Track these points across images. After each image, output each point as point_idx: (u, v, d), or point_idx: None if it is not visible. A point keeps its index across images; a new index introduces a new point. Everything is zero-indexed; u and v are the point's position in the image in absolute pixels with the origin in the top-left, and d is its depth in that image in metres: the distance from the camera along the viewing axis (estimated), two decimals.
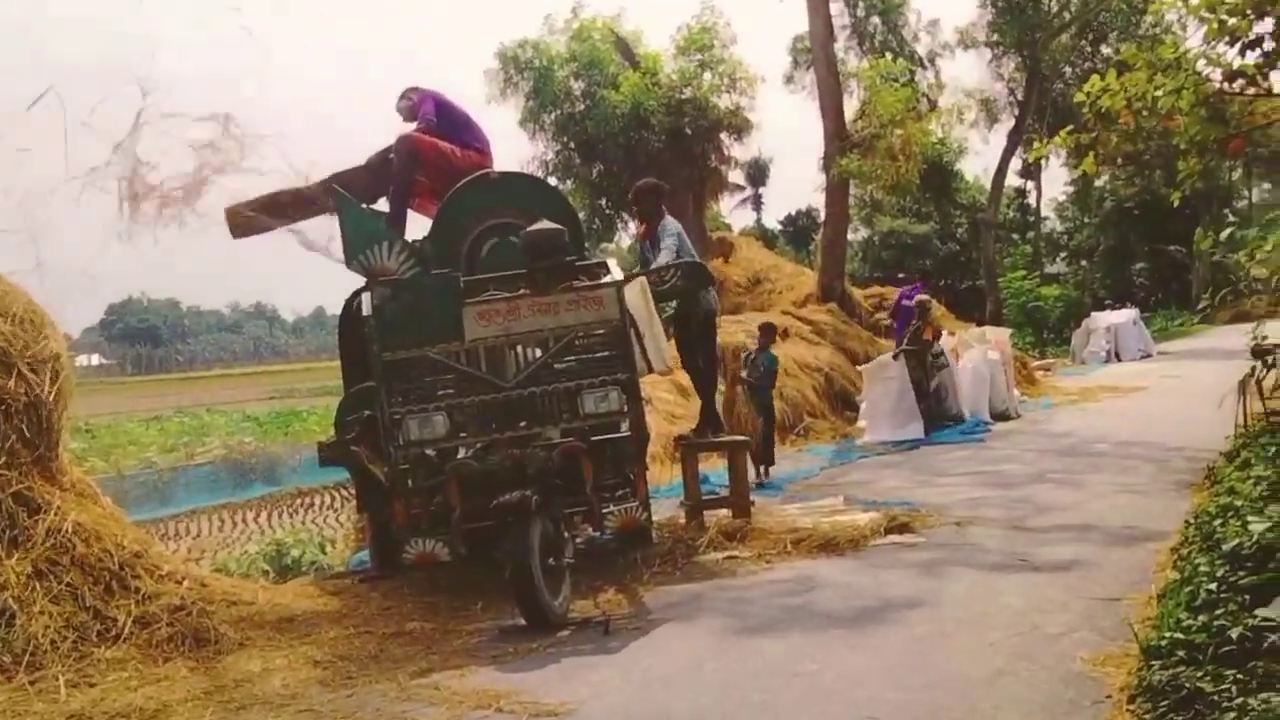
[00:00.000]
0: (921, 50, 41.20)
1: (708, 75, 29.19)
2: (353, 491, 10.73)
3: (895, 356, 16.67)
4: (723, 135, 29.83)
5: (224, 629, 7.08)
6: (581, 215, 27.13)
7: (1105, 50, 39.00)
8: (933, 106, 32.43)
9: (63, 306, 8.24)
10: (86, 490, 7.87)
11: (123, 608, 6.91)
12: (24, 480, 7.14)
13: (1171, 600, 5.67)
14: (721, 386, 13.95)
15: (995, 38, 40.73)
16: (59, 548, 6.95)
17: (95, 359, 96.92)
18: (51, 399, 7.54)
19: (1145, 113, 10.71)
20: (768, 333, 13.57)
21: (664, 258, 9.39)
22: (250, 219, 9.37)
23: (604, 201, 30.45)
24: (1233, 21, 9.56)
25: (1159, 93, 10.39)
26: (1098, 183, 53.00)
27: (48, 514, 7.07)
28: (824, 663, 5.84)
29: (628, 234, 32.30)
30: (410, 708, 5.56)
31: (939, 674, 5.50)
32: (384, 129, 9.87)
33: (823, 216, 28.05)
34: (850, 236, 32.22)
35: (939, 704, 5.06)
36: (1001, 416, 17.91)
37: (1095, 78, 10.98)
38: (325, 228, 9.47)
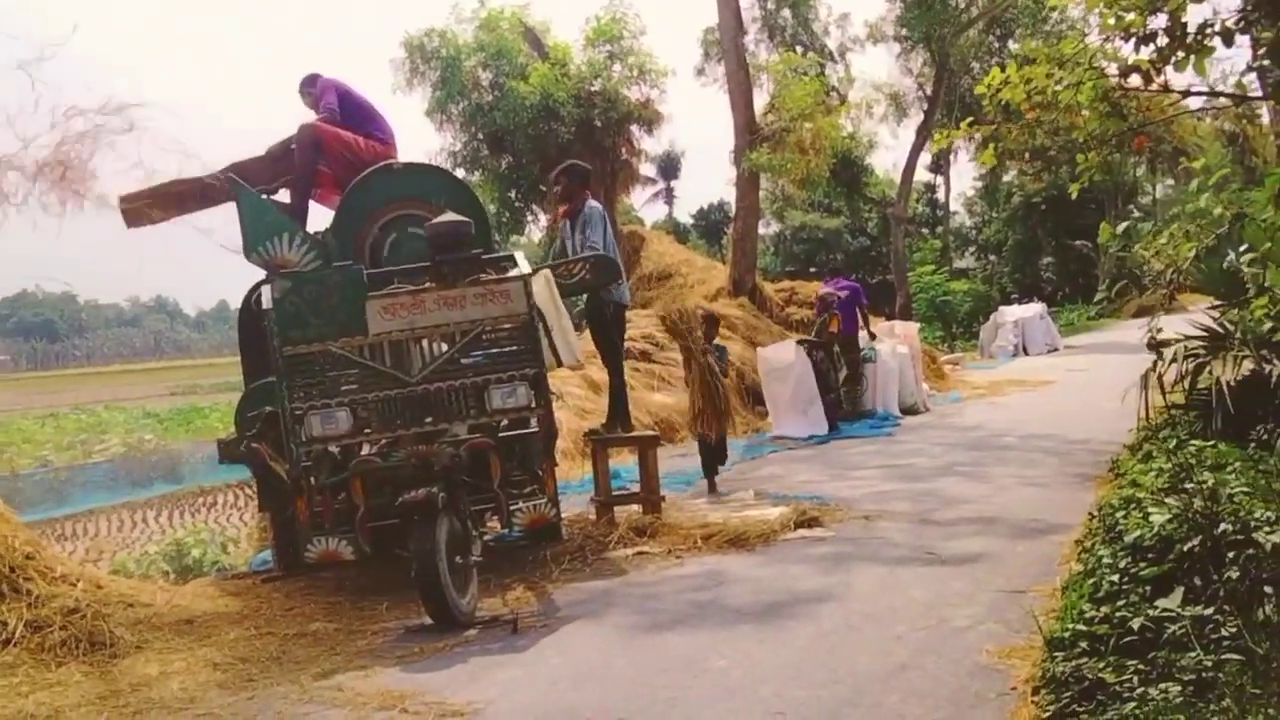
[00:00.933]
0: (831, 44, 41.56)
1: (617, 67, 29.06)
2: (255, 490, 10.54)
3: (800, 344, 16.69)
4: (633, 128, 29.76)
5: (120, 632, 6.91)
6: (490, 208, 27.05)
7: (1013, 46, 39.46)
8: (842, 100, 32.76)
9: None
10: None
11: (14, 611, 6.72)
12: None
13: (1075, 592, 5.74)
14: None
15: (904, 32, 41.09)
16: None
17: None
18: None
19: (1044, 107, 10.89)
20: (712, 324, 12.59)
21: (585, 248, 9.37)
22: (146, 209, 9.12)
23: (513, 194, 30.24)
24: (1129, 17, 9.74)
25: (1058, 87, 10.57)
26: (1005, 178, 54.01)
27: None
28: (732, 659, 5.85)
29: (538, 227, 32.14)
30: (313, 710, 5.47)
31: (845, 669, 5.53)
32: (288, 118, 9.71)
33: (734, 210, 28.12)
34: (762, 231, 32.45)
35: (844, 699, 5.09)
36: (910, 410, 18.13)
37: (995, 70, 11.15)
38: (226, 218, 9.26)
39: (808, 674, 5.49)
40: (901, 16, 40.24)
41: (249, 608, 7.81)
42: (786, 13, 39.86)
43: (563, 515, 8.55)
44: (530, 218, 31.41)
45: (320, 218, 9.55)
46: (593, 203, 9.98)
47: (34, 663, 6.44)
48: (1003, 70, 11.04)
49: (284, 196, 9.50)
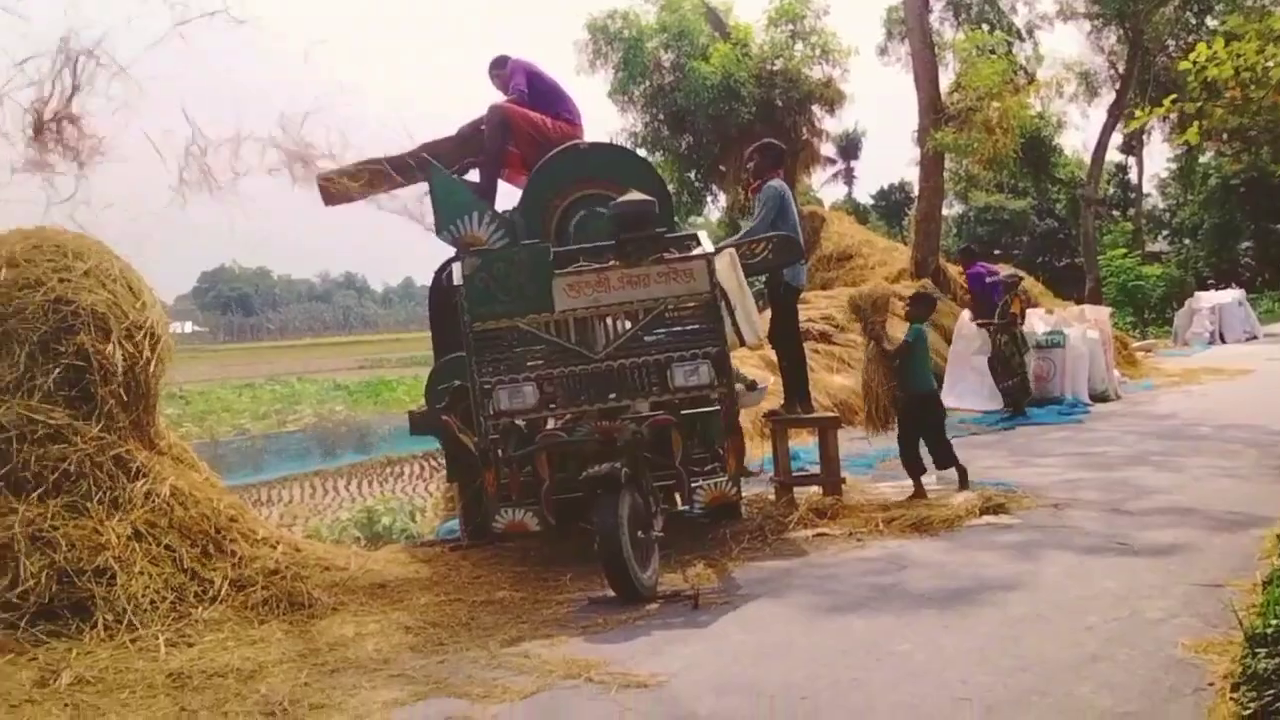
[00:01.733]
0: (1019, 22, 40.36)
1: (799, 46, 28.88)
2: (442, 461, 10.81)
3: (983, 326, 16.42)
4: (814, 107, 29.55)
5: (318, 593, 7.21)
6: (670, 188, 27.13)
7: (1211, 23, 37.86)
8: (1030, 79, 31.85)
9: (157, 273, 8.38)
10: (183, 455, 8.05)
11: (219, 570, 7.06)
12: (122, 444, 7.29)
13: (1277, 587, 5.53)
14: None
15: (1096, 9, 39.77)
16: (157, 510, 7.10)
17: (188, 326, 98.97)
18: (149, 365, 7.70)
19: (1254, 85, 10.44)
20: (918, 304, 10.92)
21: (758, 226, 9.37)
22: (342, 187, 9.46)
23: (693, 174, 30.33)
24: None
25: (1270, 64, 10.12)
26: (1202, 159, 51.75)
27: (146, 478, 7.23)
28: (915, 643, 5.79)
29: (717, 207, 32.17)
30: (501, 675, 5.61)
31: (1033, 657, 5.43)
32: (473, 101, 9.92)
33: (916, 191, 27.66)
34: (945, 211, 31.75)
35: (1032, 687, 4.99)
36: (1100, 398, 17.62)
37: (1202, 46, 10.72)
38: (418, 197, 9.54)
39: (994, 661, 5.40)
40: None
41: (438, 574, 8.04)
42: None
43: (743, 495, 8.58)
44: (710, 198, 31.47)
45: (508, 197, 9.76)
46: (772, 182, 9.93)
47: (238, 619, 6.76)
48: (1209, 46, 10.61)
49: (473, 176, 9.72)
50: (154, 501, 7.12)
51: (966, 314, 17.41)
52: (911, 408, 9.98)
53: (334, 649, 6.29)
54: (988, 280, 17.44)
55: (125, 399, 7.45)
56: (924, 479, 9.84)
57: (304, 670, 5.88)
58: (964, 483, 9.77)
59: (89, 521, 6.73)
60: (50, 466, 6.86)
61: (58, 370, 7.20)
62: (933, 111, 22.85)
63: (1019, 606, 6.37)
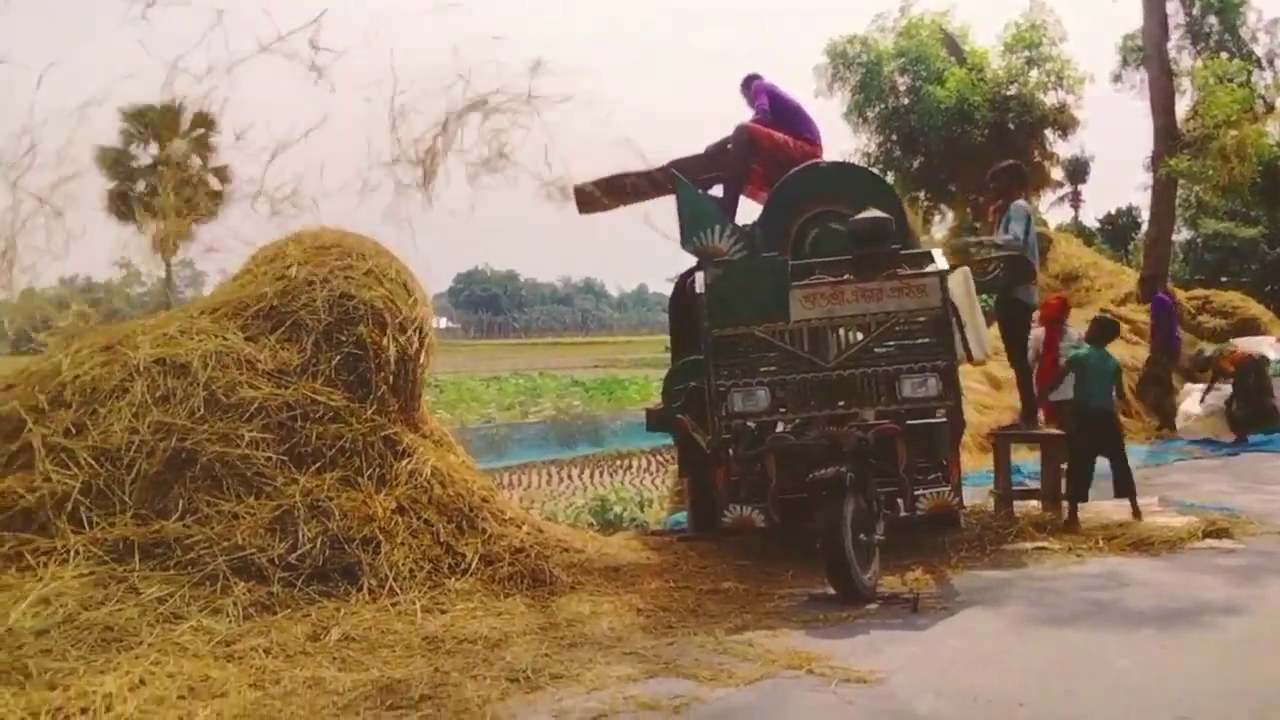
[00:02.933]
0: (1260, 50, 38.19)
1: (1034, 72, 28.14)
2: (671, 457, 10.96)
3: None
4: (1047, 132, 28.76)
5: (558, 572, 7.40)
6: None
7: None
8: (1270, 108, 30.10)
9: (421, 273, 8.75)
10: (443, 439, 8.36)
11: (471, 545, 7.30)
12: (392, 426, 7.63)
13: None
14: None
15: None
16: (419, 488, 7.41)
17: (444, 322, 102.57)
18: (417, 356, 8.05)
19: None
20: (1094, 327, 10.03)
21: (1011, 240, 9.21)
22: (596, 197, 9.70)
23: (922, 193, 29.87)
24: None
25: None
26: None
27: (411, 457, 7.55)
28: (1133, 659, 5.56)
29: (944, 226, 31.56)
30: (726, 660, 5.65)
31: (1257, 682, 5.14)
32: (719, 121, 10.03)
33: (1145, 216, 26.61)
34: (1173, 237, 30.39)
35: (1254, 712, 4.74)
36: None
37: None
38: (663, 209, 9.69)
39: (1213, 684, 5.15)
40: None
41: (667, 562, 8.14)
42: (1213, 19, 37.05)
43: (964, 505, 8.41)
44: (939, 215, 30.90)
45: (749, 212, 9.81)
46: (1019, 202, 9.73)
47: (486, 592, 6.99)
48: None
49: (717, 191, 9.82)
50: (417, 479, 7.43)
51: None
52: (1084, 426, 9.41)
53: (572, 624, 6.44)
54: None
55: (395, 385, 7.80)
56: (1145, 501, 9.39)
57: (545, 642, 6.04)
58: (1136, 512, 9.23)
59: (359, 494, 7.08)
60: (329, 443, 7.24)
61: (338, 357, 7.61)
62: (1168, 138, 21.95)
63: (1240, 630, 6.05)
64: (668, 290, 10.04)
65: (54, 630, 5.67)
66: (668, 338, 10.00)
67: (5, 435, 6.88)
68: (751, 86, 10.07)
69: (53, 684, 5.14)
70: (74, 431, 6.86)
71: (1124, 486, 9.18)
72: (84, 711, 4.84)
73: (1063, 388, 9.77)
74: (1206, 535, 8.52)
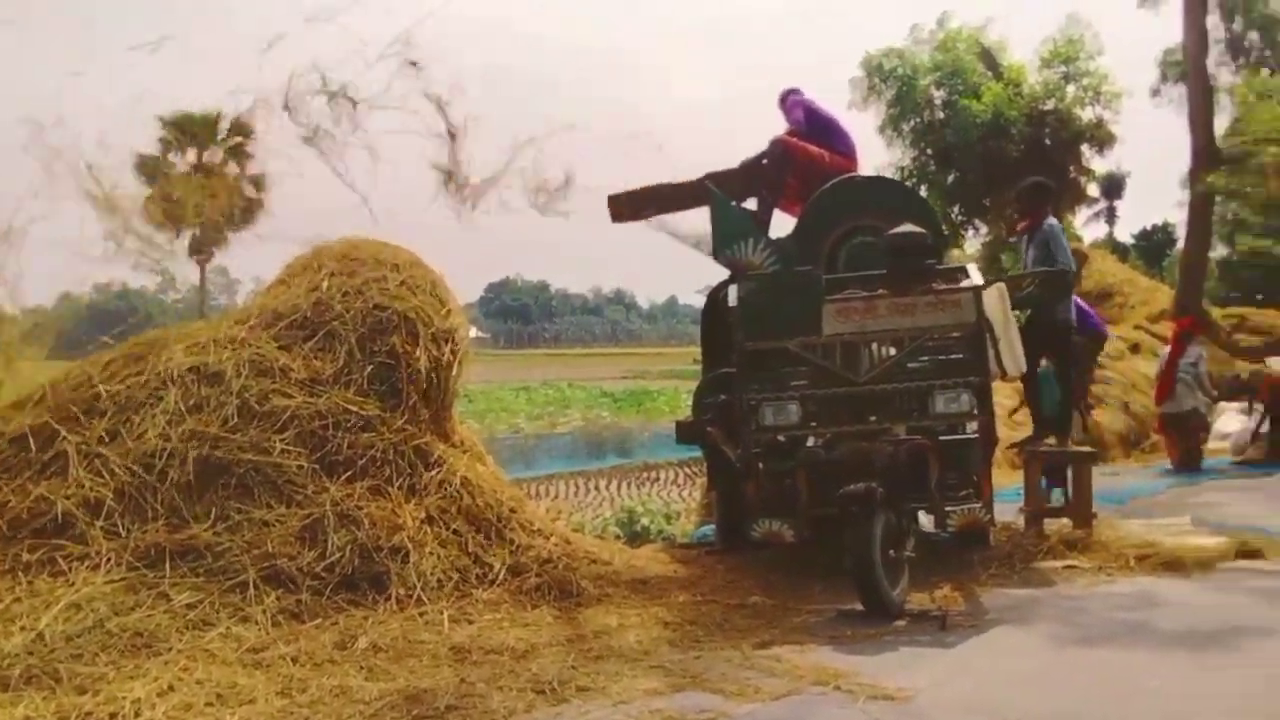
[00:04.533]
0: None
1: (1071, 88, 28.07)
2: (700, 470, 10.94)
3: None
4: (1083, 147, 28.68)
5: (585, 584, 7.39)
6: None
7: None
8: None
9: (452, 283, 8.81)
10: (473, 449, 8.39)
11: (499, 556, 7.32)
12: (422, 436, 7.66)
13: None
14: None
15: None
16: (449, 498, 7.44)
17: (474, 332, 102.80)
18: (450, 367, 8.07)
19: None
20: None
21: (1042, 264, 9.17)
22: (631, 207, 9.74)
23: (956, 208, 29.80)
24: None
25: None
26: None
27: (441, 467, 7.58)
28: (1167, 680, 5.49)
29: (977, 240, 31.47)
30: (753, 675, 5.63)
31: None
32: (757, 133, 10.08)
33: (1181, 233, 26.49)
34: (1210, 255, 30.22)
35: None
36: None
37: None
38: (696, 222, 9.72)
39: (1250, 709, 5.09)
40: None
41: (694, 575, 8.11)
42: (1254, 34, 36.86)
43: (994, 522, 8.35)
44: (973, 230, 30.82)
45: (782, 224, 9.81)
46: (1052, 220, 9.68)
47: (513, 602, 7.00)
48: None
49: (751, 204, 9.82)
50: (446, 489, 7.47)
51: None
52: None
53: (598, 636, 6.43)
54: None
55: (427, 396, 7.83)
56: (1176, 521, 9.39)
57: (571, 654, 6.03)
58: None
59: (389, 504, 7.11)
60: (359, 452, 7.28)
61: (371, 367, 7.65)
62: (1206, 154, 21.86)
63: (1277, 654, 5.97)
64: (698, 302, 10.09)
65: (84, 635, 5.71)
66: (698, 350, 10.01)
67: (39, 444, 6.92)
68: (787, 101, 10.06)
69: (82, 689, 5.19)
70: (107, 439, 6.92)
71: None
72: (113, 716, 4.89)
73: (1175, 401, 9.90)
74: (1240, 556, 8.44)
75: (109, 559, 6.31)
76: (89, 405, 7.12)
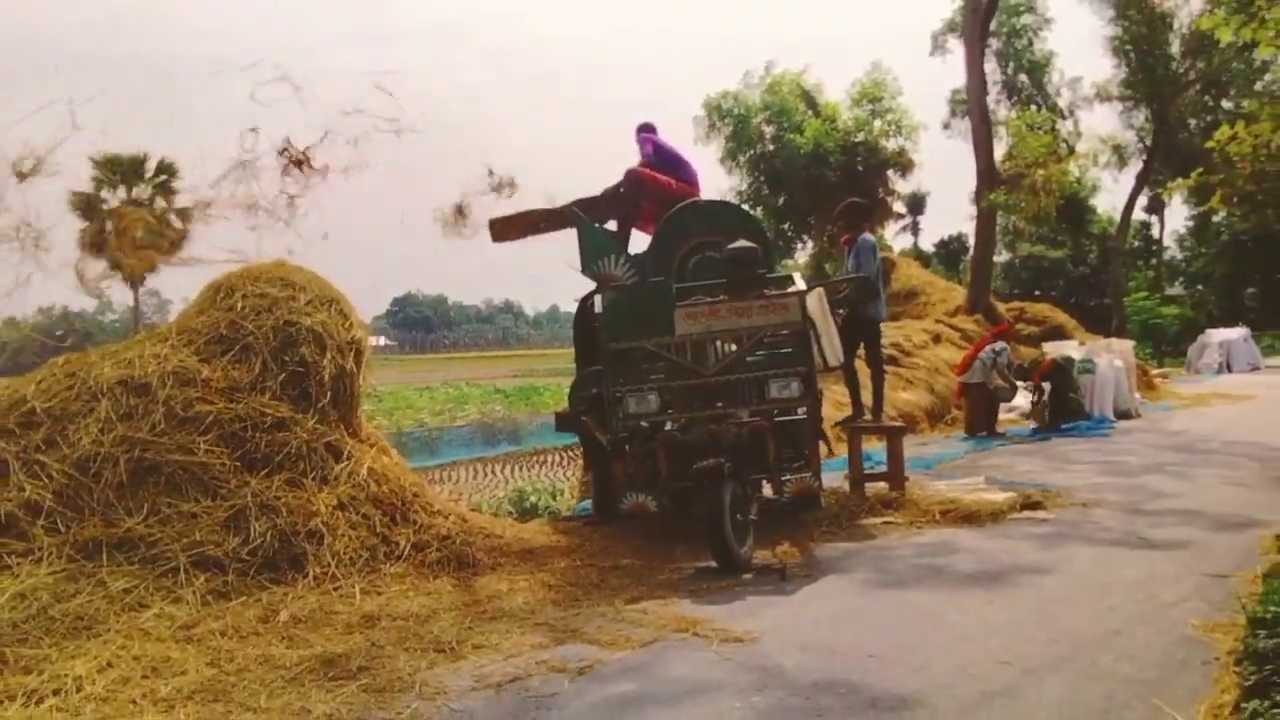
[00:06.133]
0: (1063, 103, 39.64)
1: (878, 122, 28.77)
2: (580, 453, 10.87)
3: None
4: (889, 172, 29.41)
5: (480, 555, 7.29)
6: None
7: (1226, 104, 36.77)
8: (1071, 151, 31.15)
9: (361, 298, 8.62)
10: (378, 443, 8.20)
11: (403, 535, 7.17)
12: (333, 433, 7.46)
13: (1276, 579, 5.30)
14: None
15: (1129, 92, 38.88)
16: (357, 486, 7.25)
17: (382, 340, 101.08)
18: (354, 372, 7.90)
19: (1265, 157, 10.15)
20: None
21: (853, 272, 9.37)
22: (508, 230, 9.68)
23: (786, 226, 30.30)
24: None
25: None
26: (1215, 218, 49.92)
27: (350, 460, 7.40)
28: (963, 614, 5.66)
29: (805, 253, 32.04)
30: (624, 627, 5.63)
31: (1064, 631, 5.27)
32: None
33: (972, 241, 27.31)
34: (995, 259, 31.26)
35: (1063, 656, 4.86)
36: (1124, 415, 17.08)
37: (1225, 126, 10.42)
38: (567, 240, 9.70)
39: (1030, 632, 5.27)
40: (1127, 79, 38.12)
41: (574, 544, 8.06)
42: (1024, 76, 38.28)
43: (823, 488, 8.49)
44: (800, 244, 31.36)
45: (639, 243, 9.83)
46: (866, 235, 9.95)
47: (417, 575, 6.87)
48: (1230, 126, 10.31)
49: (612, 226, 9.82)
50: (355, 479, 7.27)
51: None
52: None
53: (491, 600, 6.36)
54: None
55: (335, 398, 7.63)
56: (972, 480, 9.71)
57: (468, 617, 5.96)
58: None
59: (304, 493, 6.90)
60: (276, 449, 7.05)
61: (284, 375, 7.43)
62: (988, 176, 22.57)
63: (1052, 588, 6.20)
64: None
65: (29, 621, 5.45)
66: (574, 351, 9.96)
67: None
68: (640, 136, 10.09)
69: (28, 669, 4.94)
70: (44, 447, 6.60)
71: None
72: (56, 693, 4.66)
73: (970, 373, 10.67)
74: (1023, 507, 8.75)
75: (51, 553, 6.02)
76: (25, 419, 6.79)
